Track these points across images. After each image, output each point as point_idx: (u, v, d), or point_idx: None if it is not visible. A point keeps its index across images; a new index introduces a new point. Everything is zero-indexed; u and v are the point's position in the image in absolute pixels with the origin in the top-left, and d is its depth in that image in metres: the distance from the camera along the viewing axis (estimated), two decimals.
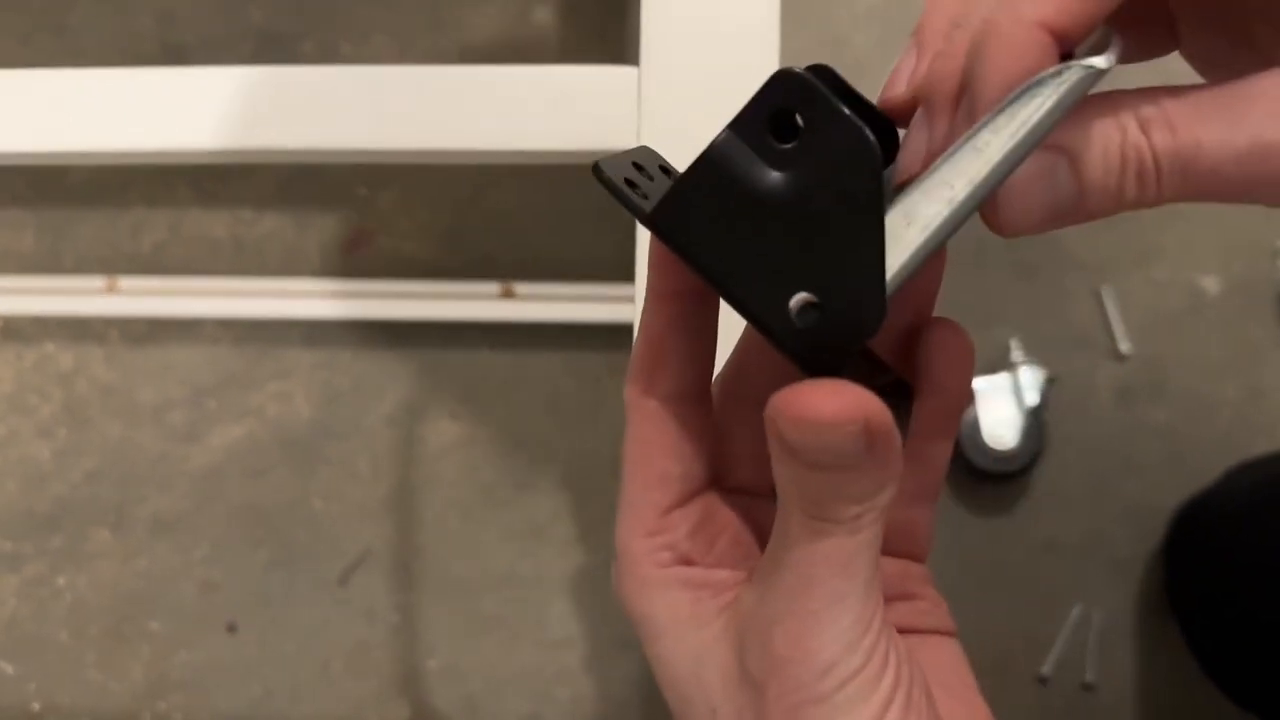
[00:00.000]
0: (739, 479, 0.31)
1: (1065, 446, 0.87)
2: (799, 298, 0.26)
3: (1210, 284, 0.89)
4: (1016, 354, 0.86)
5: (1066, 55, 0.25)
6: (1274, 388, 0.88)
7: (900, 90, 0.27)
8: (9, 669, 0.90)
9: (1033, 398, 0.84)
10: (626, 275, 0.48)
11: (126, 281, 0.91)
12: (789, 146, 0.26)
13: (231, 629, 0.89)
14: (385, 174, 0.94)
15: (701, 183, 0.26)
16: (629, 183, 0.27)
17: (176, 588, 0.90)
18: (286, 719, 0.88)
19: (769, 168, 0.26)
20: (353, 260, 0.93)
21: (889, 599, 0.32)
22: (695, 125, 0.47)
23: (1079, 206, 0.26)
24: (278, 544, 0.90)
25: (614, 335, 0.89)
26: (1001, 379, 0.85)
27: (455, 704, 0.88)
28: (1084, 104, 0.25)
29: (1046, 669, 0.85)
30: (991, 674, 0.71)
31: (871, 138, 0.25)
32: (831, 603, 0.26)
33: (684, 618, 0.29)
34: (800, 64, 0.27)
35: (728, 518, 0.31)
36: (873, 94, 0.29)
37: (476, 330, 0.91)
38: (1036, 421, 0.84)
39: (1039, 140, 0.25)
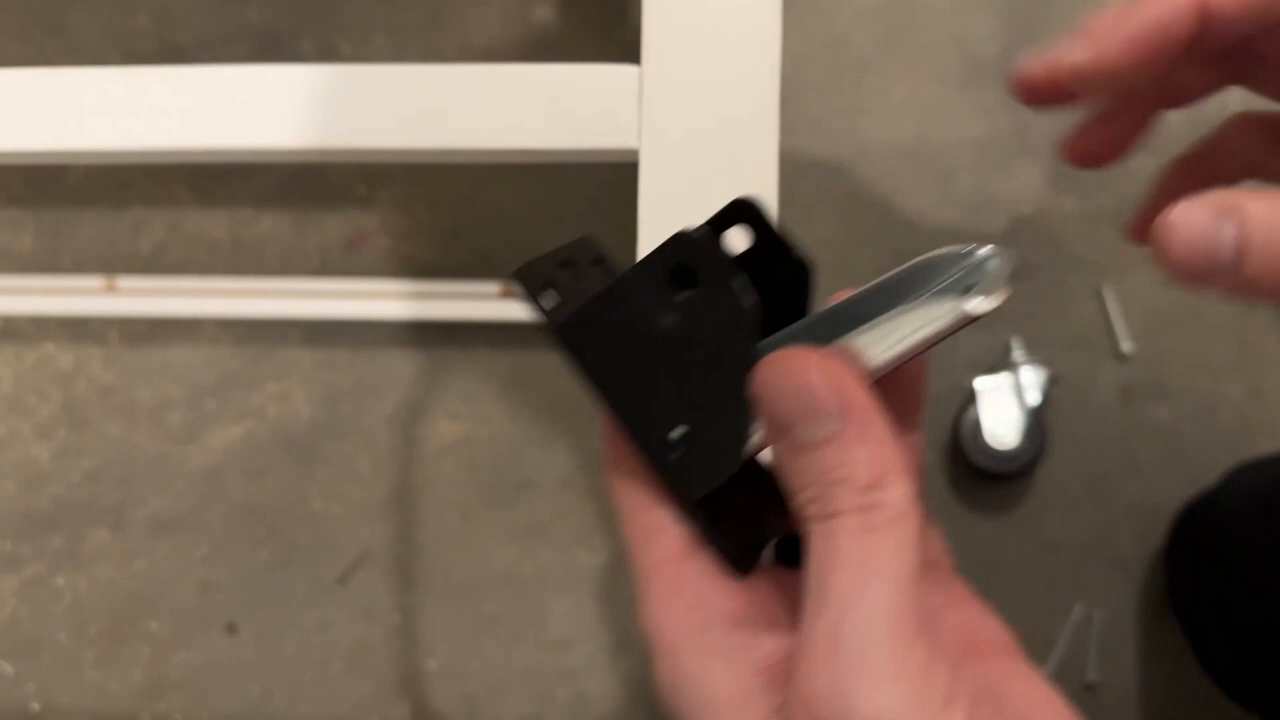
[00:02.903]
0: None
1: (1067, 446, 0.87)
2: (678, 430, 0.28)
3: None
4: (1018, 353, 0.86)
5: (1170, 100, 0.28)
6: (1276, 387, 0.88)
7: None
8: (8, 669, 0.90)
9: (1034, 397, 0.84)
10: None
11: (125, 281, 0.91)
12: (684, 297, 0.27)
13: (231, 629, 0.89)
14: (385, 173, 0.93)
15: (607, 309, 0.28)
16: (552, 284, 0.30)
17: (176, 588, 0.90)
18: (286, 719, 0.88)
19: (666, 310, 0.28)
20: (352, 259, 0.93)
21: None
22: (696, 124, 0.46)
23: (1238, 268, 0.25)
24: (278, 544, 0.90)
25: None
26: (1003, 379, 0.85)
27: (455, 704, 0.88)
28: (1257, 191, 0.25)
29: (1048, 669, 0.85)
30: None
31: (749, 307, 0.27)
32: (854, 608, 0.24)
33: (731, 698, 0.26)
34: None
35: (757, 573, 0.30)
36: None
37: (476, 330, 0.91)
38: (1038, 421, 0.84)
39: (907, 357, 0.26)
